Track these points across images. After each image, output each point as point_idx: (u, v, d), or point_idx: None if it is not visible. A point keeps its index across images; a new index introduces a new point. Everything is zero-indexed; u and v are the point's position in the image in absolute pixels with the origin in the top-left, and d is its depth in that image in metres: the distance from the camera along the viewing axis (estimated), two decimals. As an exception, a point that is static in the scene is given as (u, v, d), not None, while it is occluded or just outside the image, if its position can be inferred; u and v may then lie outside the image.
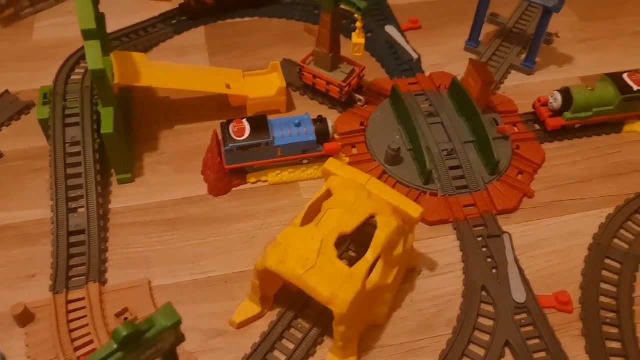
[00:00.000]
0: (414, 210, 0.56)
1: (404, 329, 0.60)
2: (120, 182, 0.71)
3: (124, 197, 0.70)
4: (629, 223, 0.69)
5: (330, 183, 0.58)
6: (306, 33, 0.85)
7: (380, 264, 0.56)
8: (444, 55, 0.91)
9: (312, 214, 0.56)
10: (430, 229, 0.68)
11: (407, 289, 0.63)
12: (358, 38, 0.71)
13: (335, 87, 0.77)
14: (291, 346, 0.57)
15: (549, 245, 0.67)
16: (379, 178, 0.71)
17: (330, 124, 0.71)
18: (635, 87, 0.76)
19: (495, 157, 0.71)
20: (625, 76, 0.77)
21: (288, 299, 0.60)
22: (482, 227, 0.68)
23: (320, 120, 0.70)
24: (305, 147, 0.70)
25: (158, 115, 0.80)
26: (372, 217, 0.55)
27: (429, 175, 0.70)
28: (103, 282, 0.61)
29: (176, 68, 0.80)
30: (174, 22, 0.95)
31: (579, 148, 0.78)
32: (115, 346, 0.38)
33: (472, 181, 0.72)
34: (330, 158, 0.61)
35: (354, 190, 0.56)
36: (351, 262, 0.53)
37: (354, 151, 0.75)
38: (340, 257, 0.55)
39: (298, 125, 0.69)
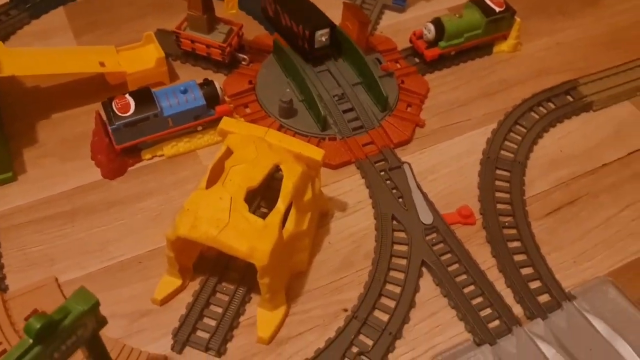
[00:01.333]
0: (316, 153, 0.57)
1: (326, 270, 0.61)
2: (1, 183, 0.65)
3: (8, 198, 0.65)
4: (511, 134, 0.74)
5: (229, 141, 0.57)
6: (176, -2, 0.82)
7: (293, 211, 0.57)
8: (318, 3, 0.91)
9: (216, 175, 0.55)
10: (334, 173, 0.70)
11: (323, 233, 0.64)
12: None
13: (216, 49, 0.76)
14: (219, 310, 0.57)
15: (445, 167, 0.71)
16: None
17: (218, 85, 0.69)
18: (497, 9, 0.81)
19: (383, 94, 0.73)
20: (487, 0, 0.82)
21: (208, 265, 0.59)
22: (382, 162, 0.70)
23: (207, 83, 0.69)
24: (197, 113, 0.68)
25: (30, 106, 0.74)
26: (276, 167, 0.55)
27: (325, 122, 0.72)
28: (3, 289, 0.57)
29: (41, 52, 0.74)
30: (28, 5, 0.87)
31: (457, 74, 0.82)
32: (30, 341, 0.35)
33: (366, 120, 0.74)
34: (225, 117, 0.60)
35: (253, 144, 0.56)
36: (264, 217, 0.53)
37: (247, 110, 0.75)
38: (253, 213, 0.54)
39: (184, 91, 0.66)
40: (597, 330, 0.56)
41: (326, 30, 0.75)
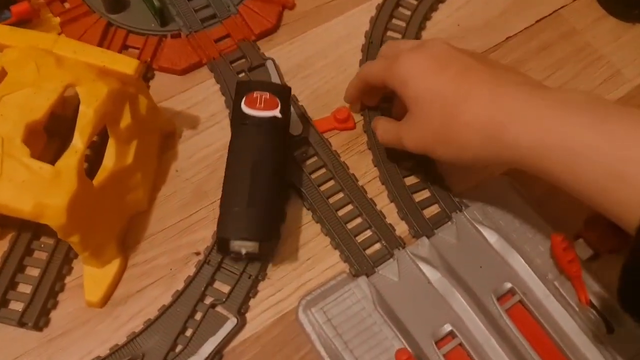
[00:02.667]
0: (127, 65, 0.43)
1: (173, 206, 0.50)
2: None
3: None
4: (400, 9, 0.61)
5: (3, 59, 0.42)
6: None
7: (110, 144, 0.44)
8: None
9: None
10: (182, 79, 0.56)
11: (169, 160, 0.52)
12: None
13: None
14: (36, 272, 0.46)
15: (321, 59, 0.58)
16: (104, 33, 0.56)
17: (5, -23, 0.52)
18: None
19: (235, -30, 0.58)
20: None
21: (17, 220, 0.47)
22: (242, 60, 0.57)
23: (-13, -25, 0.52)
24: (-16, 18, 0.52)
25: None
26: (69, 89, 0.42)
27: (163, 14, 0.56)
28: None
29: None
30: None
31: None
32: None
33: (219, 7, 0.59)
34: (-1, 25, 0.44)
35: (34, 61, 0.41)
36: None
37: (66, 5, 0.58)
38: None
39: (-45, -11, 0.50)
40: (489, 244, 0.48)
41: None
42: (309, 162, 0.52)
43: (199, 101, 0.55)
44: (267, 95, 0.47)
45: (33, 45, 0.42)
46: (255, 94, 0.47)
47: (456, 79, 0.42)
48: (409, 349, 0.43)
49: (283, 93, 0.48)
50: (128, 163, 0.45)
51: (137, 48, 0.56)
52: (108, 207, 0.45)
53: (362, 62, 0.58)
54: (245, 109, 0.46)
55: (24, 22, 0.54)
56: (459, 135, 0.41)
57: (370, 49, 0.58)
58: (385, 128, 0.49)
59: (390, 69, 0.45)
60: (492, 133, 0.39)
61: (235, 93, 0.48)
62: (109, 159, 0.44)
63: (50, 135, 0.48)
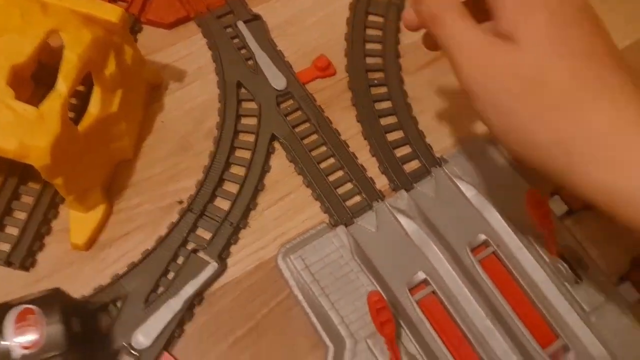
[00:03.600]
0: (111, 13, 0.44)
1: (158, 156, 0.51)
2: None
3: None
4: (389, -31, 0.61)
5: (-13, 5, 0.43)
6: None
7: (95, 91, 0.45)
8: None
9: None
10: (169, 34, 0.57)
11: (155, 111, 0.53)
12: None
13: None
14: (23, 216, 0.47)
15: (309, 16, 0.59)
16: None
17: None
18: None
19: None
20: None
21: (5, 163, 0.48)
22: (229, 15, 0.57)
23: None
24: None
25: None
26: (54, 35, 0.42)
27: (151, -33, 0.57)
28: None
29: None
30: None
31: None
32: None
33: (208, -38, 0.59)
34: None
35: (18, 7, 0.42)
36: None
37: (57, -41, 0.58)
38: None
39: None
40: (466, 198, 0.49)
41: None
42: (293, 116, 0.53)
43: (186, 55, 0.56)
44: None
45: (18, -9, 0.43)
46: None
47: (577, 60, 0.30)
48: (381, 292, 0.44)
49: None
50: (113, 111, 0.46)
51: (125, 1, 0.56)
52: (93, 153, 0.46)
53: (349, 20, 0.58)
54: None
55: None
56: (546, 127, 0.31)
57: (357, 7, 0.59)
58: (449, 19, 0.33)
59: None
60: (580, 157, 0.30)
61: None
62: (94, 106, 0.45)
63: (37, 84, 0.49)
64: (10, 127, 0.39)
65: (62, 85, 0.41)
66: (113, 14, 0.44)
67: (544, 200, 0.46)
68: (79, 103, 0.50)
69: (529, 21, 0.30)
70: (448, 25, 0.33)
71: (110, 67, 0.45)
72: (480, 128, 0.54)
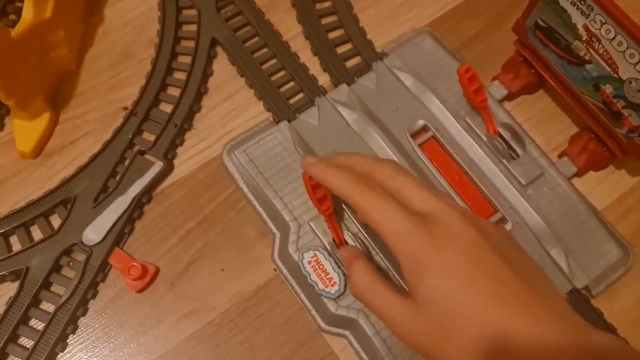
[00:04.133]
0: None
1: (101, 66, 0.52)
2: None
3: None
4: None
5: None
6: None
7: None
8: None
9: None
10: (107, -54, 0.57)
11: (96, 23, 0.53)
12: None
13: None
14: (-31, 129, 0.48)
15: None
16: None
17: None
18: None
19: None
20: None
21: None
22: None
23: None
24: None
25: None
26: None
27: None
28: None
29: None
30: None
31: None
32: None
33: None
34: None
35: None
36: None
37: None
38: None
39: None
40: (405, 87, 0.50)
41: None
42: (233, 20, 0.53)
43: (124, -34, 0.56)
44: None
45: None
46: None
47: (485, 297, 0.31)
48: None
49: None
50: (46, 16, 0.46)
51: None
52: (31, 59, 0.46)
53: None
54: None
55: None
56: None
57: None
58: (367, 285, 0.36)
59: (415, 236, 0.33)
60: None
61: None
62: (27, 11, 0.45)
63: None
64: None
65: (-12, -15, 0.41)
66: None
67: (476, 75, 0.47)
68: (14, 16, 0.50)
69: (423, 283, 0.32)
70: (369, 299, 0.36)
71: (39, -27, 0.45)
72: (417, 20, 0.54)
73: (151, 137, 0.49)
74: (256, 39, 0.53)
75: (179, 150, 0.49)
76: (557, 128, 0.51)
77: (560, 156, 0.49)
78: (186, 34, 0.52)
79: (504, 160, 0.47)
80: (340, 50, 0.53)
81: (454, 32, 0.54)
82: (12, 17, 0.52)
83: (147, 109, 0.49)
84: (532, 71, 0.51)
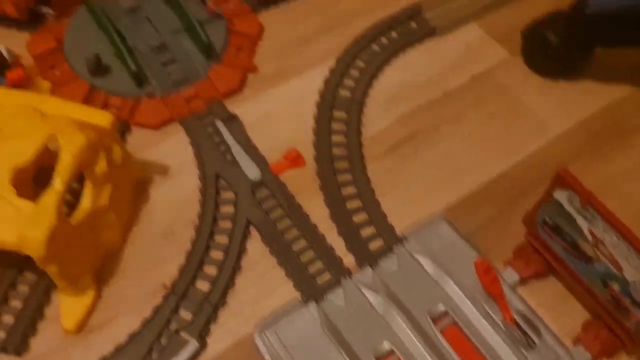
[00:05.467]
0: (103, 118, 0.51)
1: (144, 244, 0.56)
2: None
3: None
4: (351, 70, 0.69)
5: (-4, 116, 0.50)
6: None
7: (87, 186, 0.51)
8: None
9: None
10: (156, 133, 0.63)
11: (142, 203, 0.59)
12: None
13: (8, 3, 0.66)
14: (19, 304, 0.51)
15: (281, 113, 0.66)
16: (88, 95, 0.64)
17: (2, 48, 0.60)
18: None
19: (204, 40, 0.66)
20: None
21: (3, 257, 0.53)
22: (209, 116, 0.65)
23: (-14, 47, 0.60)
24: (-19, 83, 0.59)
25: None
26: (53, 140, 0.49)
27: (138, 77, 0.64)
28: None
29: None
30: None
31: (296, 10, 0.76)
32: None
33: (191, 72, 0.67)
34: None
35: (23, 116, 0.49)
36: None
37: (56, 73, 0.66)
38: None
39: (-43, 60, 0.58)
40: (425, 271, 0.54)
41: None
42: (267, 203, 0.59)
43: (170, 152, 0.62)
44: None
45: (23, 102, 0.50)
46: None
47: None
48: (350, 363, 0.48)
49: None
50: (102, 204, 0.52)
51: (116, 107, 0.64)
52: (84, 242, 0.51)
53: (316, 117, 0.65)
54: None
55: (18, 87, 0.62)
56: None
57: (323, 105, 0.66)
58: None
59: None
60: None
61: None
62: (87, 200, 0.51)
63: (38, 186, 0.55)
64: (11, 221, 0.44)
65: (58, 182, 0.47)
66: (104, 119, 0.50)
67: (491, 267, 0.50)
68: (72, 200, 0.56)
69: None
70: None
71: (101, 166, 0.51)
72: (435, 205, 0.60)
73: (187, 315, 0.52)
74: (287, 220, 0.58)
75: (213, 327, 0.52)
76: (570, 314, 0.54)
77: (575, 343, 0.52)
78: (224, 215, 0.58)
79: (522, 350, 0.50)
80: (364, 233, 0.57)
81: (469, 216, 0.59)
82: (66, 196, 0.58)
83: (185, 288, 0.53)
84: (543, 259, 0.55)
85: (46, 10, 0.69)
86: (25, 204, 0.45)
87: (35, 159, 0.47)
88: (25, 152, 0.47)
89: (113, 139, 0.53)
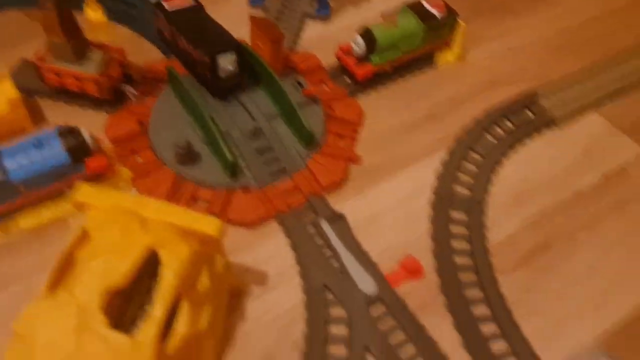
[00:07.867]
0: (210, 226, 0.42)
1: (241, 373, 0.46)
2: None
3: None
4: (465, 164, 0.61)
5: (88, 221, 0.41)
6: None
7: (185, 309, 0.41)
8: (226, 19, 0.76)
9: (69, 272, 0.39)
10: (251, 233, 0.55)
11: (237, 320, 0.49)
12: (92, 11, 0.53)
13: (91, 83, 0.59)
14: None
15: (389, 213, 0.57)
16: (175, 184, 0.56)
17: (85, 133, 0.53)
18: (437, 13, 0.68)
19: (305, 127, 0.59)
20: (424, 3, 0.69)
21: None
22: (312, 215, 0.56)
23: (70, 131, 0.52)
24: (59, 172, 0.52)
25: None
26: (151, 251, 0.40)
27: (234, 168, 0.56)
28: None
29: None
30: None
31: (397, 94, 0.69)
32: None
33: (288, 161, 0.59)
34: (80, 184, 0.43)
35: (119, 224, 0.40)
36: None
37: (139, 159, 0.59)
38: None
39: (38, 145, 0.50)
40: None
41: (231, 55, 0.59)
42: (385, 322, 0.49)
43: (268, 257, 0.53)
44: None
45: (118, 205, 0.41)
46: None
47: None
48: None
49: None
50: (202, 329, 0.42)
51: (206, 201, 0.55)
52: (178, 375, 0.41)
53: (432, 218, 0.56)
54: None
55: (98, 176, 0.54)
56: None
57: (439, 204, 0.57)
58: None
59: None
60: None
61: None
62: (183, 324, 0.41)
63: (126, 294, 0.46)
64: (101, 359, 0.35)
65: (159, 310, 0.38)
66: (212, 226, 0.42)
67: None
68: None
69: None
70: None
71: (203, 282, 0.42)
72: (586, 332, 0.49)
73: None
74: (411, 346, 0.48)
75: None
76: None
77: None
78: (336, 338, 0.48)
79: None
80: (507, 368, 0.47)
81: (635, 351, 0.48)
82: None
83: None
84: None
85: (128, 89, 0.63)
86: (119, 339, 0.36)
87: (130, 277, 0.38)
88: (120, 271, 0.38)
89: (216, 247, 0.44)
